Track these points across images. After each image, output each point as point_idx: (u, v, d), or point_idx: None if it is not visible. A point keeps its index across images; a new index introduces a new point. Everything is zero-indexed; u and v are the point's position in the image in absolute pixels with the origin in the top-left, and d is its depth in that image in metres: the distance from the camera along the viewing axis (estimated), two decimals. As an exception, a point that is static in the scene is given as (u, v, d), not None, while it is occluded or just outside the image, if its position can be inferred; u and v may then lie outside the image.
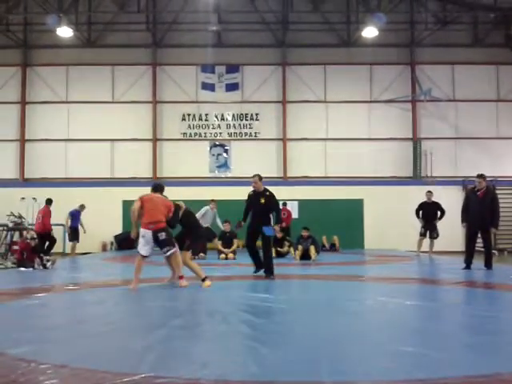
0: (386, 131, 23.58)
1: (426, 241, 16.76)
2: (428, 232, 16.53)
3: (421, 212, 16.64)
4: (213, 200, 16.57)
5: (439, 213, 16.47)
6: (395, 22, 22.81)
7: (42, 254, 13.89)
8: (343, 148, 23.38)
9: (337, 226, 20.85)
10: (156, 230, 8.06)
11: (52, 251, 15.06)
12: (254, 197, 10.47)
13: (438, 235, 16.50)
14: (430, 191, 17.00)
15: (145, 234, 8.09)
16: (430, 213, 16.49)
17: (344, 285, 8.77)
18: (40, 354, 3.77)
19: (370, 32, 21.62)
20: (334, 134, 23.55)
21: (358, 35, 22.71)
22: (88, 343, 4.37)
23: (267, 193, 10.40)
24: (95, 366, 3.45)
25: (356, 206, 22.73)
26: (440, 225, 16.57)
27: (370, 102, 23.82)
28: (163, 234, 8.06)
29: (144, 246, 8.13)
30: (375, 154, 23.37)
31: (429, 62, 23.82)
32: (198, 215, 15.25)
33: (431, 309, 6.39)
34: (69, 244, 19.28)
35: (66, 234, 19.57)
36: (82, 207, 18.93)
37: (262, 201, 10.27)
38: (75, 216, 18.69)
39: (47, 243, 16.15)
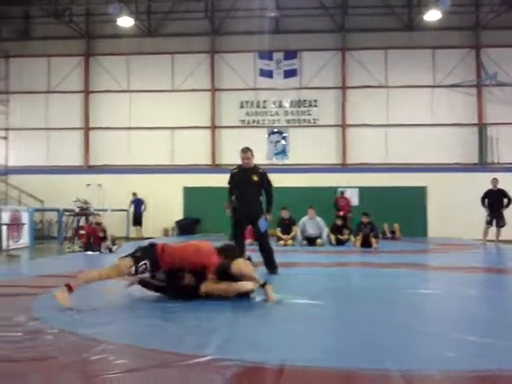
0: (450, 117, 23.00)
1: (492, 229, 16.31)
2: (495, 220, 16.09)
3: (486, 200, 16.23)
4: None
5: (506, 200, 16.02)
6: (459, 5, 22.10)
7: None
8: (405, 134, 22.95)
9: (399, 214, 20.48)
10: None
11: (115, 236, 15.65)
12: (243, 174, 8.41)
13: (504, 223, 16.03)
14: (495, 178, 16.50)
15: None
16: (495, 201, 16.04)
17: (405, 273, 8.59)
18: (109, 335, 3.86)
19: (432, 15, 21.13)
20: (396, 120, 23.14)
21: (420, 18, 22.20)
22: (155, 324, 4.43)
23: (260, 170, 8.54)
24: (162, 348, 3.51)
25: (419, 194, 22.33)
26: (507, 213, 16.10)
27: (433, 86, 23.27)
28: None
29: None
30: (438, 140, 22.82)
31: (494, 45, 23.01)
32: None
33: (496, 298, 6.17)
34: (132, 228, 20.74)
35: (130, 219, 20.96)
36: (134, 195, 21.14)
37: (255, 178, 8.30)
38: (136, 202, 20.39)
39: None
